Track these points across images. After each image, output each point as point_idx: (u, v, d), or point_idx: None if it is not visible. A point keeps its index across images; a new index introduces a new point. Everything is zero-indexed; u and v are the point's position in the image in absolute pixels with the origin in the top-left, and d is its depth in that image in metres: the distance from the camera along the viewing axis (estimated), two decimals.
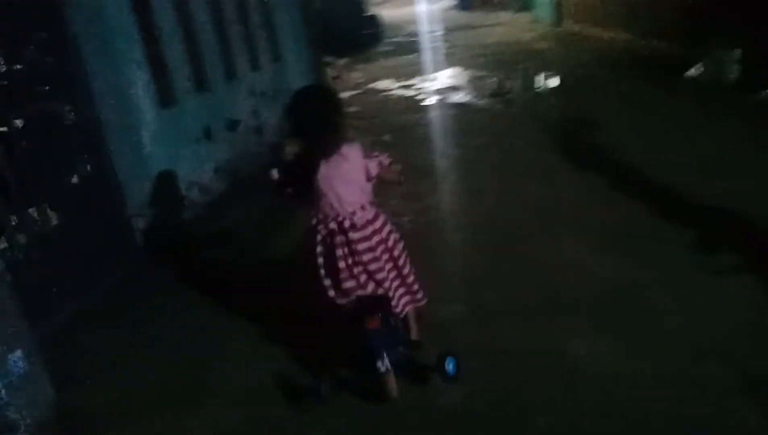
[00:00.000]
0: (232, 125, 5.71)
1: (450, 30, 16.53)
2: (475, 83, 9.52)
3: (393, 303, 2.64)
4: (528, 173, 5.31)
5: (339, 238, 2.54)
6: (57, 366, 3.10)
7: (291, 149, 2.57)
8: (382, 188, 2.74)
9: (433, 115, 8.02)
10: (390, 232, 2.66)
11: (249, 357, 3.20)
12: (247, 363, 3.15)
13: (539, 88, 8.75)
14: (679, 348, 2.77)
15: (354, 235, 2.53)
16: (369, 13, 16.37)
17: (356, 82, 11.11)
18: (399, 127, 7.58)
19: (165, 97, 4.79)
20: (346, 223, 2.52)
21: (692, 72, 7.29)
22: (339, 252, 2.55)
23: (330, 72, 11.89)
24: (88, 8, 3.95)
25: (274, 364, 3.02)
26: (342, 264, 2.56)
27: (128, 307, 3.92)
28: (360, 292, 2.60)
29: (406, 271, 2.71)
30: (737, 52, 6.64)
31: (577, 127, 6.52)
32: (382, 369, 2.51)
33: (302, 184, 2.52)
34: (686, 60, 7.65)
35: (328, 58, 13.54)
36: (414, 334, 2.87)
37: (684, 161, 4.96)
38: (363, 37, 15.15)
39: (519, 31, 14.46)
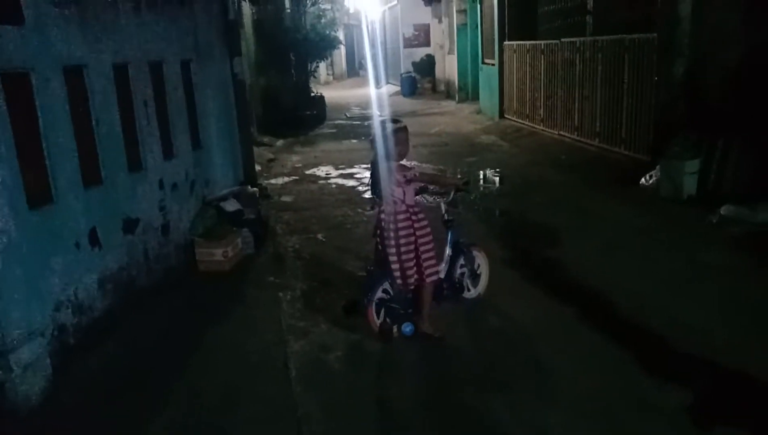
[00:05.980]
0: (130, 225, 4.71)
1: (394, 115, 16.26)
2: None
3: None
4: (486, 294, 4.53)
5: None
6: None
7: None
8: None
9: (375, 211, 7.25)
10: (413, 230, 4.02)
11: None
12: None
13: (486, 186, 8.26)
14: None
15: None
16: (313, 93, 15.93)
17: (293, 166, 10.33)
18: (336, 224, 6.75)
19: (37, 195, 3.79)
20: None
21: (647, 181, 6.91)
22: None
23: (266, 154, 11.11)
24: None
25: None
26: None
27: None
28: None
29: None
30: (695, 163, 6.29)
31: (530, 238, 5.90)
32: (365, 301, 3.98)
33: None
34: (640, 165, 7.34)
35: (267, 139, 12.81)
36: (421, 323, 4.00)
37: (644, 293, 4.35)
38: (305, 117, 14.62)
39: (463, 121, 14.28)
